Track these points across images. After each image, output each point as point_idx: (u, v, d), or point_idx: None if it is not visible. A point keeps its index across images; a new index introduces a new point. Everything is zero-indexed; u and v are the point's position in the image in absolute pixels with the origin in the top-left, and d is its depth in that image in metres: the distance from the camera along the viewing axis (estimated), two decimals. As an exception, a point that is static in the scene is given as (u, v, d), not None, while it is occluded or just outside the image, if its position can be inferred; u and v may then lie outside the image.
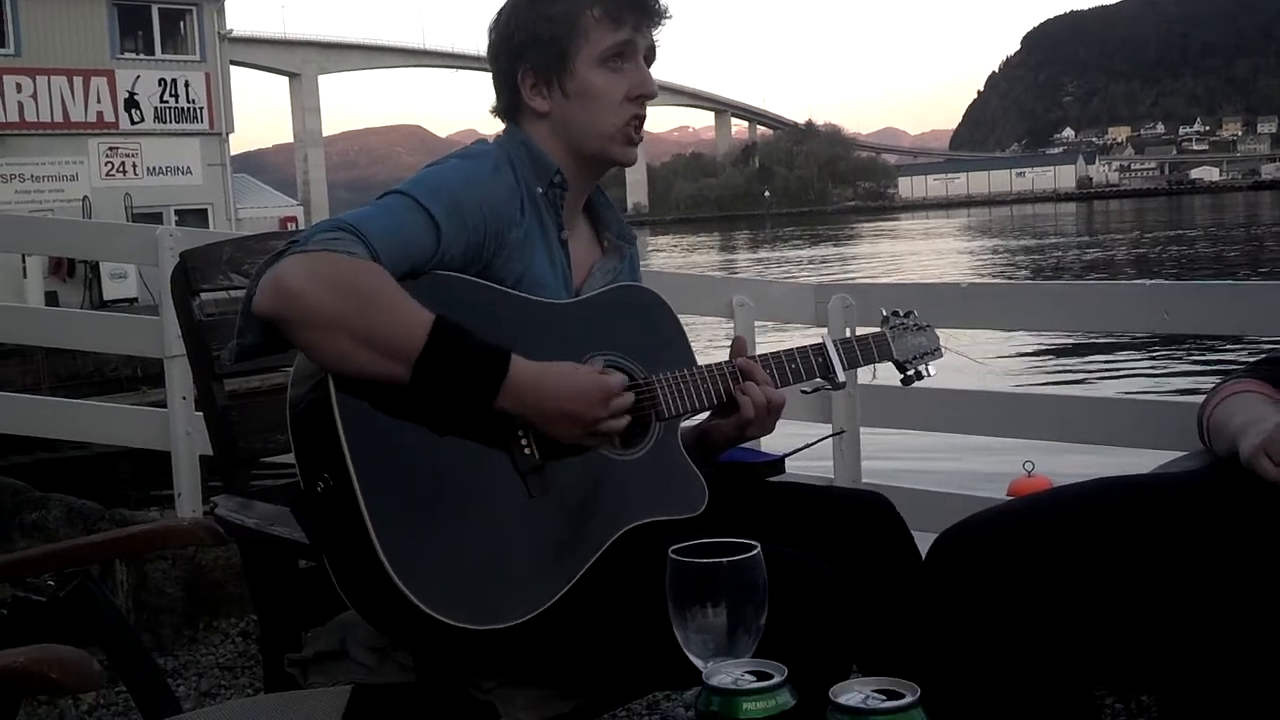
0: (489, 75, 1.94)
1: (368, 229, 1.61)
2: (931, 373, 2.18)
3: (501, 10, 1.90)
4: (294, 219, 27.87)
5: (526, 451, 1.67)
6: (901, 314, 2.19)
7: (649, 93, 1.88)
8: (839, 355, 2.02)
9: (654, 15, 1.88)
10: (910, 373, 2.16)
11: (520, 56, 1.86)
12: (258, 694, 3.00)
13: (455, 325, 1.59)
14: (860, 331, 2.18)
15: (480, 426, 1.64)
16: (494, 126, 1.96)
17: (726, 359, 1.92)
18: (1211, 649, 1.49)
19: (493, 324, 1.68)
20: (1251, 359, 2.08)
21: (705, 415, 1.94)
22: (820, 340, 2.03)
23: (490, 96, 1.93)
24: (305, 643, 1.85)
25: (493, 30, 1.90)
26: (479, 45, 1.99)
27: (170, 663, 3.55)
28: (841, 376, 2.02)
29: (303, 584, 1.86)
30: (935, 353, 2.20)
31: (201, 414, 2.25)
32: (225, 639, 3.73)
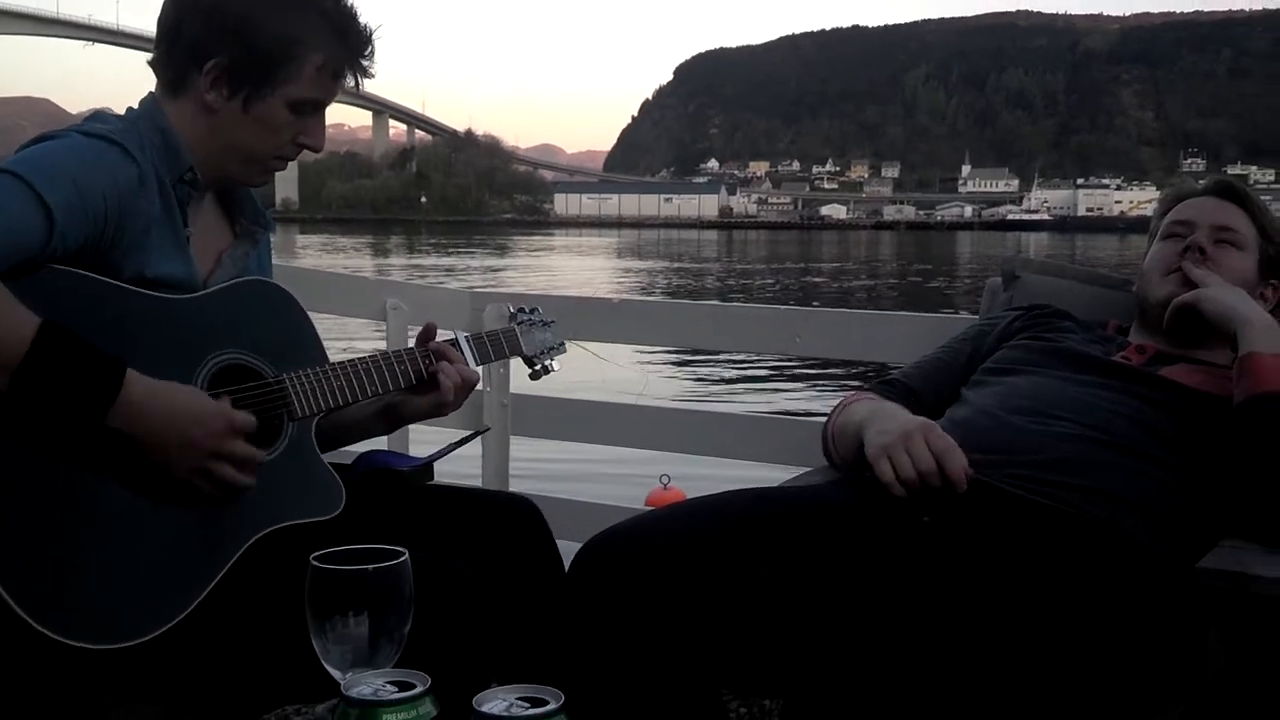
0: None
1: None
2: (556, 367, 2.26)
3: None
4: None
5: None
6: (528, 310, 2.26)
7: (319, 148, 1.82)
8: (471, 350, 2.05)
9: (357, 84, 1.82)
10: (538, 367, 2.24)
11: (220, 45, 1.69)
12: None
13: (65, 333, 1.43)
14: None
15: (98, 434, 1.49)
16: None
17: (415, 344, 1.95)
18: (831, 654, 1.58)
19: (108, 322, 1.55)
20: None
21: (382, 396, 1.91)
22: (453, 335, 2.04)
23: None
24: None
25: None
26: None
27: None
28: (476, 371, 2.03)
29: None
30: (560, 347, 2.27)
31: None
32: None
